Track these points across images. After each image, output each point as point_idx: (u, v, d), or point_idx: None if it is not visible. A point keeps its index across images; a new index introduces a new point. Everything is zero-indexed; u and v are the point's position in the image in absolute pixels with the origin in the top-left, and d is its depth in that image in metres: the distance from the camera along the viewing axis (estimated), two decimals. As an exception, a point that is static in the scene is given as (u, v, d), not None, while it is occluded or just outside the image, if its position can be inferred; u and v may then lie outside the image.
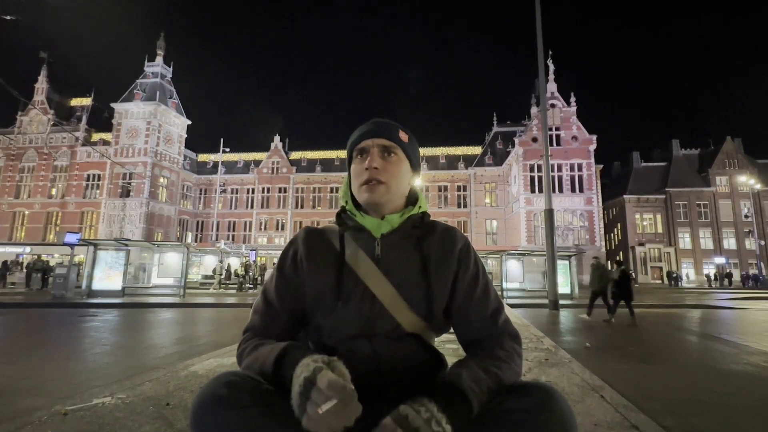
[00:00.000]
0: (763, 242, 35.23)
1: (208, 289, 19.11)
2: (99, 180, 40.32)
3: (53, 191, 41.19)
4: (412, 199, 0.97)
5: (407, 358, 0.85)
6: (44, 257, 24.37)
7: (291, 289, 0.91)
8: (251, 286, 19.78)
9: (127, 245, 14.05)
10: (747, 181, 34.22)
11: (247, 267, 20.34)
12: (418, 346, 0.87)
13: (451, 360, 0.91)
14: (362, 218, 0.92)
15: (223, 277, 20.70)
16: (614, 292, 8.50)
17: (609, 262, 43.25)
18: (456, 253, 0.92)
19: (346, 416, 0.65)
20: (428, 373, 0.88)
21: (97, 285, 12.61)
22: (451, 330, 0.98)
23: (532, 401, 0.69)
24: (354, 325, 0.85)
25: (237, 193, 44.99)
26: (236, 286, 19.57)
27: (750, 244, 37.92)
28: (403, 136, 0.95)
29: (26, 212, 40.91)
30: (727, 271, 35.64)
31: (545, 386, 0.73)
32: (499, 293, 14.91)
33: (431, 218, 0.98)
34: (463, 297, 0.90)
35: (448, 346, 3.19)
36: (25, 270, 20.19)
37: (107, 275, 12.79)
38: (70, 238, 15.13)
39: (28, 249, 33.62)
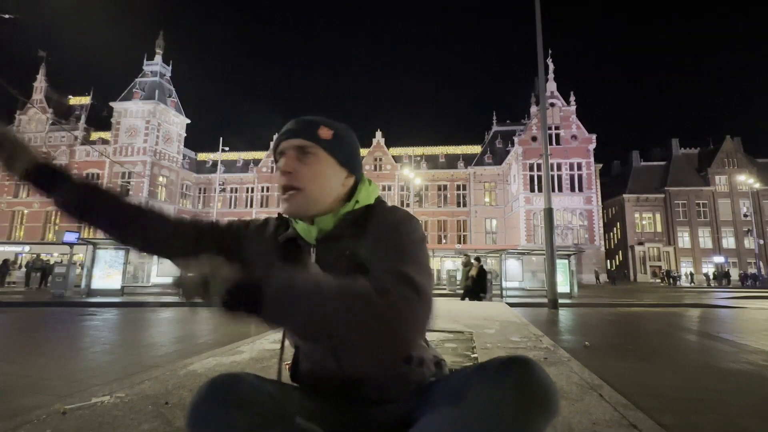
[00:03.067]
0: (762, 241, 35.29)
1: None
2: (98, 179, 40.26)
3: (52, 190, 41.13)
4: (348, 195, 0.88)
5: (372, 363, 0.81)
6: (43, 256, 24.37)
7: (227, 230, 0.94)
8: None
9: (126, 244, 14.03)
10: (746, 180, 34.26)
11: None
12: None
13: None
14: (296, 224, 0.88)
15: None
16: (468, 286, 9.71)
17: (608, 261, 43.14)
18: (382, 225, 0.81)
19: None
20: (403, 376, 0.83)
21: (96, 284, 12.61)
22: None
23: (512, 378, 0.65)
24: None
25: (236, 192, 44.97)
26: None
27: (749, 243, 38.00)
28: (325, 132, 0.86)
29: (25, 211, 40.87)
30: (726, 270, 35.68)
31: (524, 360, 0.68)
32: (499, 292, 14.72)
33: (393, 207, 0.87)
34: (375, 261, 0.75)
35: (448, 345, 3.20)
36: (24, 269, 20.18)
37: (106, 274, 12.79)
38: (69, 237, 15.14)
39: (27, 248, 33.56)
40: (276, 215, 0.96)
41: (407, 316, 0.65)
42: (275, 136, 0.93)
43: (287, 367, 0.91)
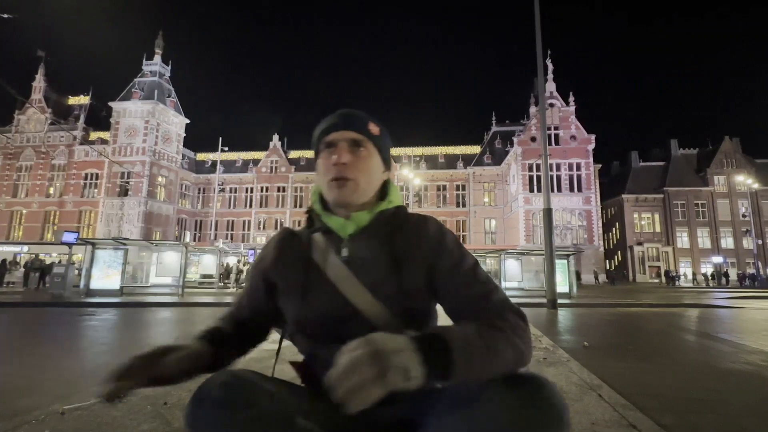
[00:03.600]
0: (760, 241, 35.38)
1: (211, 287, 19.08)
2: (97, 179, 40.23)
3: (51, 190, 41.08)
4: (384, 194, 0.92)
5: None
6: (42, 256, 24.31)
7: (255, 291, 0.93)
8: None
9: (125, 244, 14.01)
10: (745, 180, 34.33)
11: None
12: None
13: None
14: (328, 218, 0.89)
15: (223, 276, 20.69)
16: None
17: (607, 261, 43.20)
18: (429, 242, 0.85)
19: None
20: None
21: (95, 284, 12.58)
22: None
23: (523, 394, 0.65)
24: (326, 327, 0.83)
25: (235, 192, 44.95)
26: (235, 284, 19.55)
27: (747, 243, 38.08)
28: (374, 128, 0.89)
29: (24, 211, 40.80)
30: (725, 270, 35.75)
31: (536, 378, 0.68)
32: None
33: (414, 213, 0.94)
34: (447, 285, 0.82)
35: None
36: (23, 269, 20.13)
37: (105, 274, 12.76)
38: (68, 237, 15.11)
39: (25, 248, 33.51)
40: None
41: (529, 341, 0.74)
42: (320, 128, 0.90)
43: (295, 367, 0.90)
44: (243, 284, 1.02)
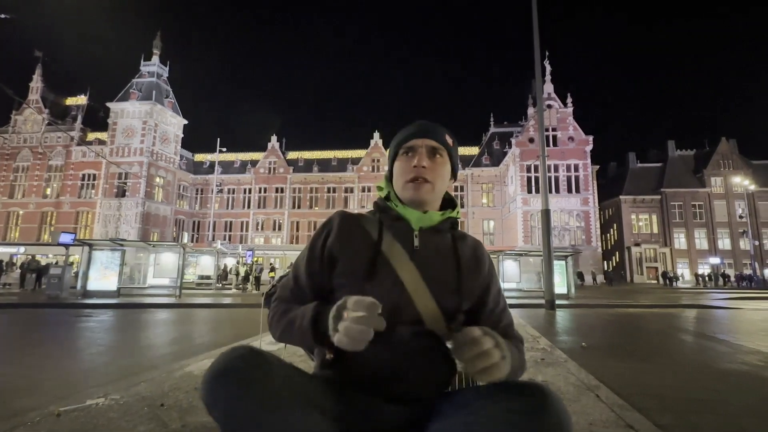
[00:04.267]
0: (757, 242, 35.54)
1: (211, 288, 19.02)
2: (94, 180, 40.09)
3: (48, 191, 40.92)
4: (452, 203, 1.01)
5: (424, 354, 0.85)
6: (39, 257, 24.20)
7: (319, 269, 0.93)
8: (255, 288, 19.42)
9: (122, 245, 13.96)
10: (741, 181, 34.49)
11: (249, 269, 20.19)
12: (435, 345, 0.87)
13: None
14: (404, 209, 0.94)
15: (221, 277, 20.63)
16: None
17: (605, 262, 43.27)
18: (486, 266, 0.98)
19: (369, 325, 0.70)
20: (440, 373, 0.89)
21: (92, 285, 12.52)
22: None
23: (528, 403, 0.69)
24: (381, 313, 0.85)
25: (234, 193, 44.86)
26: (239, 286, 19.48)
27: (744, 244, 38.20)
28: (449, 139, 0.99)
29: (20, 212, 40.61)
30: (722, 271, 35.88)
31: (541, 387, 0.72)
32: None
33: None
34: (491, 308, 0.96)
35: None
36: (19, 270, 20.02)
37: (102, 275, 12.70)
38: (65, 238, 15.03)
39: (22, 249, 33.34)
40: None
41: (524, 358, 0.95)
42: (401, 135, 0.99)
43: (322, 354, 0.90)
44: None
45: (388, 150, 1.03)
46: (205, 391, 0.70)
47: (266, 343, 3.29)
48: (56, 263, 17.02)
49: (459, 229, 1.01)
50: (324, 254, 0.92)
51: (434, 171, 0.94)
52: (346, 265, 0.90)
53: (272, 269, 24.84)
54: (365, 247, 0.90)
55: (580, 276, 32.12)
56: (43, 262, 20.81)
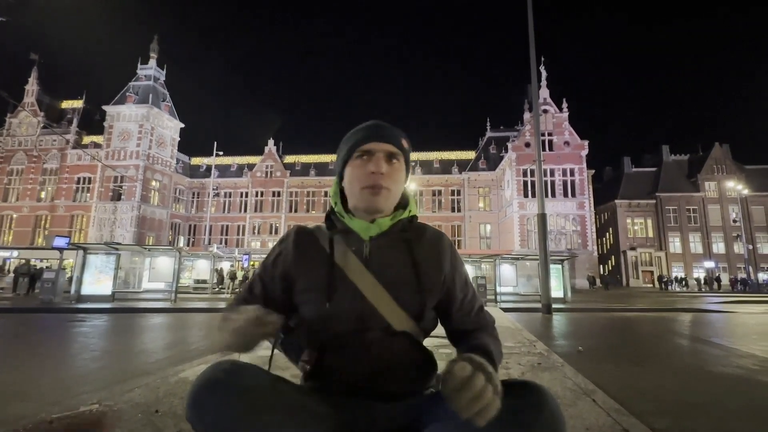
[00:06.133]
0: (750, 247, 35.81)
1: (206, 293, 18.90)
2: (89, 183, 39.83)
3: (42, 194, 40.60)
4: (403, 202, 0.99)
5: (399, 355, 0.87)
6: (32, 261, 23.96)
7: (270, 283, 0.94)
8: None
9: (117, 249, 13.85)
10: (735, 186, 34.82)
11: (233, 273, 20.18)
12: (409, 345, 0.89)
13: (441, 363, 0.92)
14: (350, 220, 0.93)
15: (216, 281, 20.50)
16: None
17: (601, 266, 43.38)
18: (447, 256, 0.95)
19: (254, 323, 0.72)
20: (420, 371, 0.90)
21: (86, 290, 12.39)
22: (445, 334, 0.99)
23: (523, 402, 0.70)
24: (345, 324, 0.86)
25: (230, 196, 44.72)
26: (235, 290, 19.38)
27: (738, 248, 38.50)
28: (405, 143, 0.96)
29: (14, 215, 40.25)
30: (717, 275, 36.09)
31: (537, 386, 0.73)
32: (493, 297, 14.77)
33: (421, 222, 1.01)
34: (461, 299, 0.96)
35: (442, 351, 3.18)
36: (12, 275, 19.81)
37: (97, 280, 12.59)
38: (59, 241, 14.90)
39: (15, 253, 32.99)
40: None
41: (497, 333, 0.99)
42: (354, 136, 0.94)
43: (303, 366, 0.92)
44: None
45: (337, 151, 0.98)
46: (189, 408, 0.70)
47: (262, 348, 3.27)
48: (48, 267, 16.86)
49: (418, 223, 0.99)
50: (278, 274, 0.93)
51: (391, 177, 0.91)
52: (304, 283, 0.90)
53: None
54: (320, 263, 0.90)
55: (592, 280, 32.44)
56: (38, 266, 20.60)
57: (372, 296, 0.86)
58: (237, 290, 19.40)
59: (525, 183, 35.79)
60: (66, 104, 44.76)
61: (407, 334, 0.88)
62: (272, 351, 0.98)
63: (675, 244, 41.72)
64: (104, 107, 40.45)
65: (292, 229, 0.99)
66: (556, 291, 12.68)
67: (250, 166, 45.70)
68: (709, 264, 39.25)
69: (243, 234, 43.47)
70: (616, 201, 43.02)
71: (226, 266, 25.04)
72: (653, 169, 45.16)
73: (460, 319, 0.96)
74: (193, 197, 45.83)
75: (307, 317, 0.90)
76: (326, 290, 0.86)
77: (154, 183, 40.55)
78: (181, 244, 38.99)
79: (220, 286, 21.89)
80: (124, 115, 40.05)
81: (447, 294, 0.94)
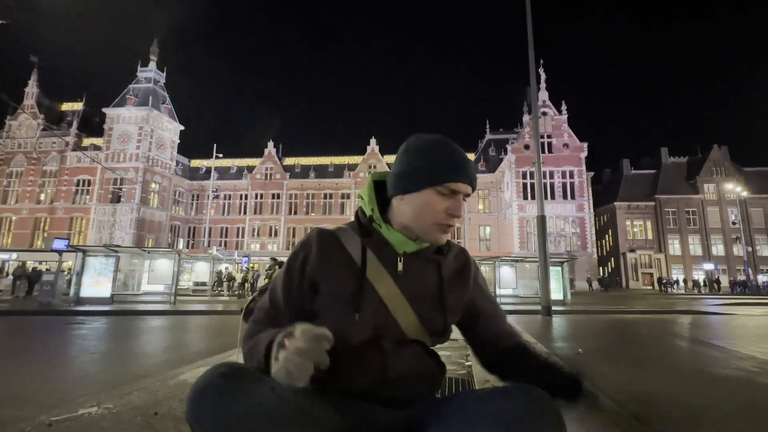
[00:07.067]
0: (750, 249, 35.82)
1: (206, 295, 18.86)
2: (89, 185, 39.80)
3: (42, 196, 40.55)
4: None
5: (413, 363, 0.87)
6: (31, 263, 23.90)
7: (297, 293, 0.90)
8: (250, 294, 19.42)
9: (116, 251, 13.83)
10: (734, 188, 34.86)
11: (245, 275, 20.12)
12: (423, 352, 0.90)
13: (449, 367, 0.93)
14: (388, 231, 0.90)
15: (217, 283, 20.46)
16: None
17: (600, 268, 43.36)
18: (471, 276, 0.98)
19: (311, 358, 0.67)
20: (431, 379, 0.91)
21: (85, 292, 12.37)
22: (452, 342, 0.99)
23: (524, 406, 0.70)
24: (364, 334, 0.85)
25: (230, 198, 44.69)
26: (235, 293, 19.34)
27: (738, 250, 38.51)
28: None
29: (13, 218, 40.18)
30: (716, 277, 36.10)
31: (537, 390, 0.74)
32: (492, 299, 15.09)
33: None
34: (488, 317, 0.98)
35: (442, 353, 3.18)
36: (11, 277, 19.77)
37: (96, 282, 12.56)
38: (59, 244, 14.88)
39: (14, 255, 32.93)
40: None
41: None
42: (451, 165, 0.87)
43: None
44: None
45: (400, 159, 0.91)
46: (189, 411, 0.70)
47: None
48: (48, 270, 16.84)
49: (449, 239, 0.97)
50: (303, 279, 0.89)
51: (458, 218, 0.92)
52: (329, 291, 0.87)
53: (268, 276, 24.68)
54: (349, 272, 0.87)
55: (600, 282, 32.49)
56: (35, 268, 20.55)
57: (395, 309, 0.87)
58: (236, 293, 19.52)
59: (524, 185, 35.81)
60: (66, 106, 44.77)
61: (421, 343, 0.90)
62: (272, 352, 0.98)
63: (674, 246, 41.74)
64: (104, 109, 40.47)
65: (314, 231, 0.95)
66: (556, 293, 12.68)
67: (250, 169, 45.69)
68: (709, 266, 39.25)
69: (242, 236, 43.42)
70: (616, 203, 43.06)
71: (225, 268, 25.00)
72: (652, 171, 45.24)
73: (493, 340, 1.00)
74: (192, 199, 45.80)
75: (327, 324, 0.86)
76: (355, 301, 0.85)
77: (153, 185, 40.54)
78: (180, 246, 38.94)
79: (219, 289, 21.86)
80: (123, 118, 40.07)
81: (471, 312, 0.97)
